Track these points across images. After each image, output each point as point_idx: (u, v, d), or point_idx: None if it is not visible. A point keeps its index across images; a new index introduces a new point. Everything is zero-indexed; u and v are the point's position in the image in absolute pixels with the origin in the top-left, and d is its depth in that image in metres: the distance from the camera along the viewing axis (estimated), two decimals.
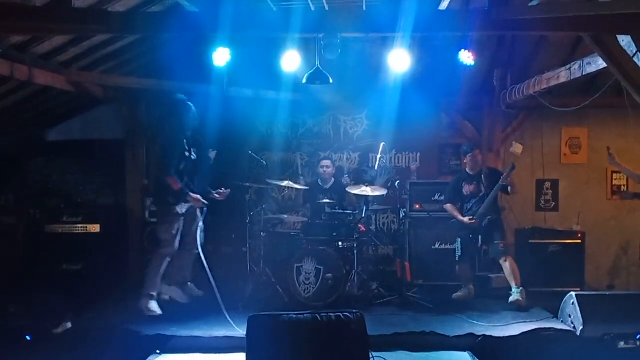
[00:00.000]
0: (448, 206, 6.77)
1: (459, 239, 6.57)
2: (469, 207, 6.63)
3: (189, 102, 5.98)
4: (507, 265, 6.28)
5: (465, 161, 6.80)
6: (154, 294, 5.81)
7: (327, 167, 7.22)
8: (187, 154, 5.90)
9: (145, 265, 7.36)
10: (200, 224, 6.00)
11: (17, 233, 7.57)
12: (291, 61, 5.57)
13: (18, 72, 5.72)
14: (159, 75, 7.06)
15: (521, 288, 6.20)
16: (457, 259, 6.62)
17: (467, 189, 6.67)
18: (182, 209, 5.86)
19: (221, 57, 5.21)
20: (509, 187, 6.37)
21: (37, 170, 8.30)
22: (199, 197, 5.85)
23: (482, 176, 6.56)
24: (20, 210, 7.80)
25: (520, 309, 6.13)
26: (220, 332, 5.38)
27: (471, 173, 6.68)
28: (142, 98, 7.80)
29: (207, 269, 5.68)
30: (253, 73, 6.77)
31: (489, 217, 6.43)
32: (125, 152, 7.96)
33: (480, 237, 6.46)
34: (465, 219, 6.49)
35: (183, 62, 6.22)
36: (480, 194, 6.54)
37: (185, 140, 5.90)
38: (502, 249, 6.34)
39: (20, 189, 8.12)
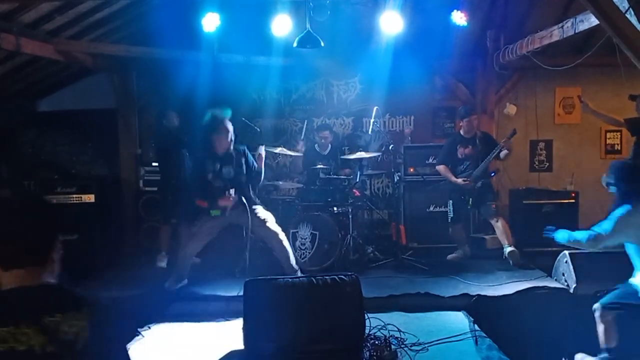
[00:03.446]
0: (441, 167, 6.77)
1: (451, 201, 6.63)
2: (462, 169, 6.65)
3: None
4: (499, 225, 6.37)
5: (460, 124, 6.79)
6: None
7: (326, 137, 7.18)
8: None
9: (141, 234, 7.47)
10: None
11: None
12: (282, 25, 5.52)
13: (5, 42, 5.63)
14: (148, 42, 6.95)
15: (513, 247, 6.29)
16: (449, 220, 6.69)
17: (461, 151, 6.66)
18: None
19: (211, 22, 5.16)
20: (502, 153, 6.38)
21: (29, 142, 8.23)
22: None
23: (477, 139, 6.57)
24: (14, 182, 7.78)
25: (517, 264, 6.22)
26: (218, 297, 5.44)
27: (466, 136, 6.67)
28: (132, 66, 7.72)
29: None
30: (243, 38, 6.64)
31: (482, 179, 6.49)
32: (118, 121, 7.94)
33: (471, 198, 6.52)
34: (459, 180, 6.53)
35: (173, 29, 6.10)
36: (474, 157, 6.55)
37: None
38: (494, 210, 6.42)
39: (13, 160, 8.07)
